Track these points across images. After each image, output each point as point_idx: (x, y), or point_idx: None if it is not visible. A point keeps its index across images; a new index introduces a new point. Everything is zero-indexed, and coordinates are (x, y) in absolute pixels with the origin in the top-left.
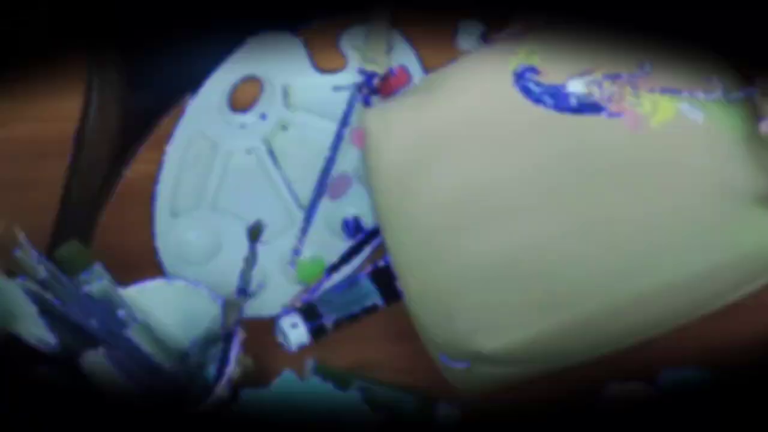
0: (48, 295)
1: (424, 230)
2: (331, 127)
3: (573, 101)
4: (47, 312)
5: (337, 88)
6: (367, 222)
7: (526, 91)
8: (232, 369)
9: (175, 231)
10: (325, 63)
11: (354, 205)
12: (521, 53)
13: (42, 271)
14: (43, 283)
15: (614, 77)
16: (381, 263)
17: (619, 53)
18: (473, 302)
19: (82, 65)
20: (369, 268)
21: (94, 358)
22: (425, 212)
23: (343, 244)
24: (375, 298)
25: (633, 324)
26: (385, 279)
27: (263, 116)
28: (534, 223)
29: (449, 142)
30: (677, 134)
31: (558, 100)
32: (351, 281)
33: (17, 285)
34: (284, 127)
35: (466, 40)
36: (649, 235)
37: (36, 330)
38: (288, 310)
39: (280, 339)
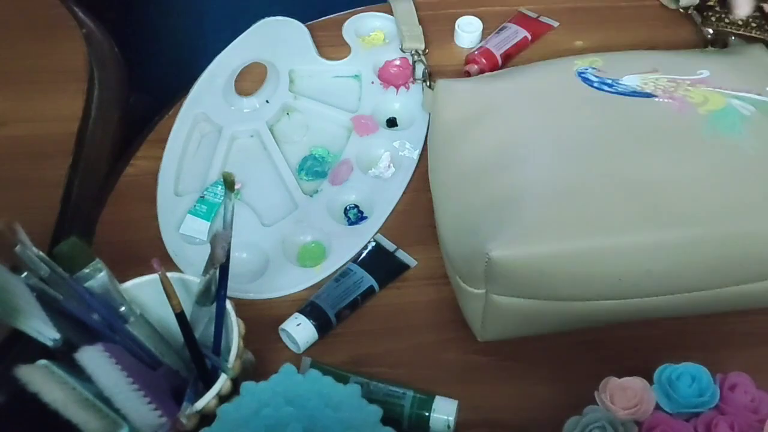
0: (50, 291)
1: (460, 171)
2: (333, 114)
3: (627, 90)
4: (50, 307)
5: (339, 76)
6: (366, 209)
7: (586, 80)
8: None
9: (178, 210)
10: (329, 51)
11: (355, 191)
12: (586, 60)
13: (42, 266)
14: (44, 279)
15: (672, 78)
16: (365, 252)
17: (681, 64)
18: (495, 219)
19: (83, 63)
20: (357, 258)
21: (91, 353)
22: (464, 158)
23: (344, 229)
24: (370, 281)
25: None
26: (374, 264)
27: (267, 101)
28: (562, 165)
29: (501, 106)
30: (722, 119)
31: (613, 87)
32: (343, 273)
33: (21, 280)
34: (288, 113)
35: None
36: (674, 194)
37: (39, 325)
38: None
39: (287, 342)
